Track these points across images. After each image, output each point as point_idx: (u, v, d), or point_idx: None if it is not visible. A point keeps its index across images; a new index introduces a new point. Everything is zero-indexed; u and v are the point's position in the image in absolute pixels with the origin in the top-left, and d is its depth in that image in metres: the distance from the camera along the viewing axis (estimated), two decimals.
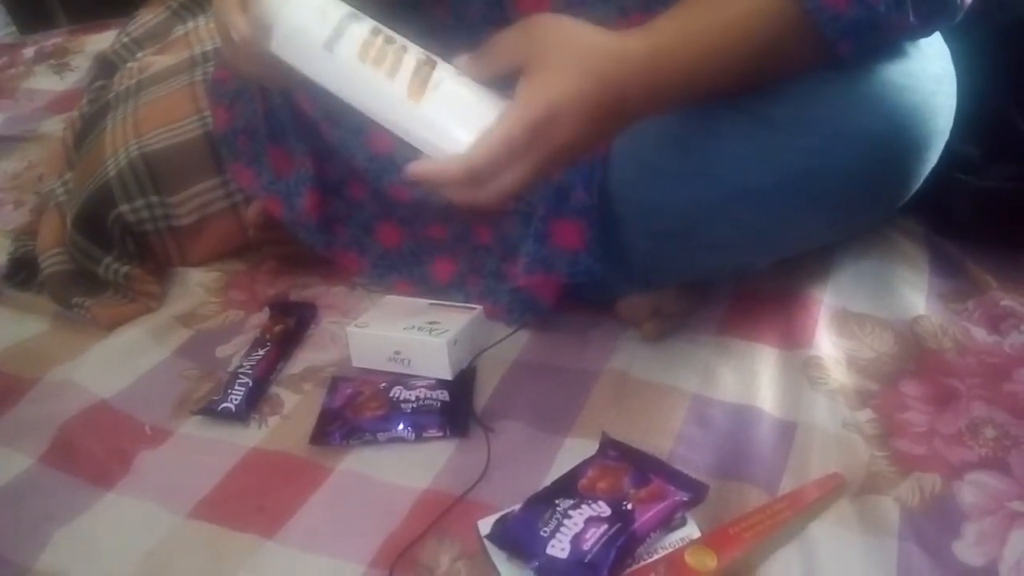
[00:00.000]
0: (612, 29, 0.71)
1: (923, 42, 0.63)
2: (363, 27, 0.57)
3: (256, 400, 0.76)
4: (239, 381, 0.77)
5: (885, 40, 0.59)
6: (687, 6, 0.57)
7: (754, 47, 0.57)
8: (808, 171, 0.62)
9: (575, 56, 0.52)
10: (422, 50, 0.57)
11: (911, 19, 0.57)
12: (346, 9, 0.58)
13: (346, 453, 0.70)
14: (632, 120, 0.57)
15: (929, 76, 0.63)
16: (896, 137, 0.62)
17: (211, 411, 0.75)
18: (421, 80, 0.55)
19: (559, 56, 0.52)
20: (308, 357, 0.83)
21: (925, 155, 0.65)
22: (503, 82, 0.55)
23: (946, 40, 0.68)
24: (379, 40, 0.56)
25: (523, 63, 0.53)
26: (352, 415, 0.71)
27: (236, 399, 0.75)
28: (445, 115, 0.55)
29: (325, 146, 0.85)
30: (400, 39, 0.57)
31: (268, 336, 0.83)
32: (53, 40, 1.69)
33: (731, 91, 0.60)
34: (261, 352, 0.80)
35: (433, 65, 0.56)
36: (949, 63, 0.67)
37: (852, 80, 0.60)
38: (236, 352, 0.84)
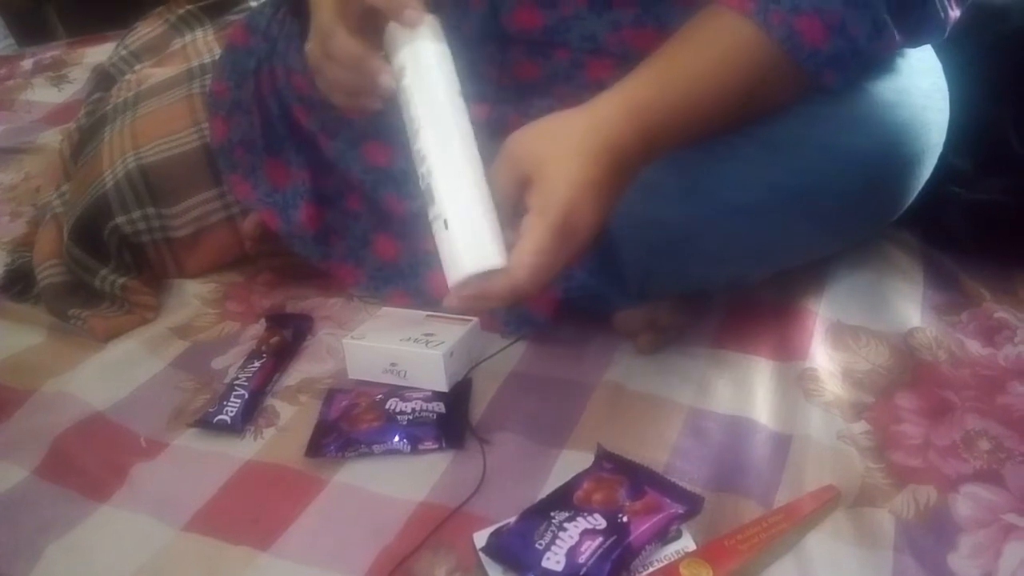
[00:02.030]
0: (604, 43, 0.72)
1: (914, 57, 0.64)
2: None
3: (252, 412, 0.76)
4: (235, 393, 0.77)
5: (874, 62, 0.60)
6: (660, 56, 0.58)
7: (734, 87, 0.58)
8: (801, 189, 0.62)
9: (563, 149, 0.54)
10: None
11: (897, 38, 0.58)
12: None
13: (341, 465, 0.70)
14: (632, 176, 0.58)
15: (920, 91, 0.63)
16: (888, 154, 0.62)
17: (207, 423, 0.75)
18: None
19: (550, 158, 0.53)
20: (304, 369, 0.83)
21: (917, 170, 0.65)
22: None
23: (937, 53, 0.68)
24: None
25: (523, 184, 0.54)
26: (348, 427, 0.71)
27: (232, 411, 0.75)
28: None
29: (322, 158, 0.85)
30: None
31: (264, 348, 0.83)
32: (51, 52, 1.70)
33: (722, 128, 0.61)
34: (257, 364, 0.80)
35: None
36: (941, 77, 0.67)
37: (843, 98, 0.61)
38: (232, 364, 0.83)
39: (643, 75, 0.57)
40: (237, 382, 0.78)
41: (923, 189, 0.68)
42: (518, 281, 0.53)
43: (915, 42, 0.62)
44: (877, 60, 0.60)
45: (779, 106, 0.61)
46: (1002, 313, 0.78)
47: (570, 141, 0.54)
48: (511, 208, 0.55)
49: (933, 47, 0.68)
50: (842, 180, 0.62)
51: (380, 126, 0.84)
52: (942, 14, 0.58)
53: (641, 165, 0.58)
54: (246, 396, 0.76)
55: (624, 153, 0.55)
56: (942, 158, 0.68)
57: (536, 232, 0.52)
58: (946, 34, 0.61)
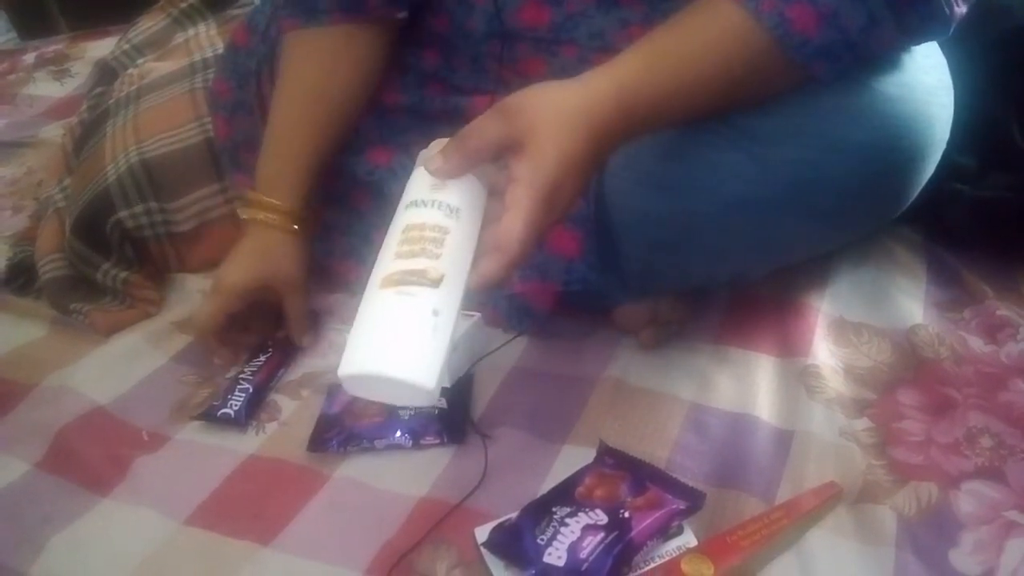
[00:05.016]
0: (612, 40, 0.71)
1: (919, 53, 0.64)
2: None
3: (255, 407, 0.76)
4: (240, 387, 0.77)
5: (868, 56, 0.60)
6: (651, 39, 0.59)
7: (722, 74, 0.58)
8: (802, 182, 0.62)
9: (557, 123, 0.54)
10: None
11: (895, 33, 0.58)
12: None
13: (343, 460, 0.70)
14: (608, 153, 0.59)
15: (924, 87, 0.63)
16: (890, 148, 0.62)
17: (211, 416, 0.75)
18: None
19: (545, 129, 0.54)
20: (306, 364, 0.83)
21: (920, 165, 0.65)
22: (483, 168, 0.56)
23: (942, 50, 0.68)
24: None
25: (510, 145, 0.54)
26: (350, 422, 0.71)
27: (236, 404, 0.75)
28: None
29: None
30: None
31: (269, 342, 0.83)
32: (54, 46, 1.70)
33: (707, 114, 0.61)
34: (262, 358, 0.80)
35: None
36: (946, 74, 0.67)
37: (846, 91, 0.61)
38: None
39: (632, 58, 0.58)
40: (242, 376, 0.78)
41: (927, 186, 0.68)
42: (514, 255, 0.53)
43: (919, 39, 0.62)
44: (873, 55, 0.60)
45: (770, 94, 0.61)
46: (1005, 310, 0.78)
47: (565, 115, 0.55)
48: (486, 159, 0.55)
49: (938, 44, 0.68)
50: (843, 174, 0.62)
51: (381, 131, 0.84)
52: (947, 11, 0.58)
53: (620, 144, 0.59)
54: (251, 390, 0.76)
55: (608, 134, 0.56)
56: (946, 155, 0.68)
57: (528, 204, 0.53)
58: (951, 31, 0.60)
